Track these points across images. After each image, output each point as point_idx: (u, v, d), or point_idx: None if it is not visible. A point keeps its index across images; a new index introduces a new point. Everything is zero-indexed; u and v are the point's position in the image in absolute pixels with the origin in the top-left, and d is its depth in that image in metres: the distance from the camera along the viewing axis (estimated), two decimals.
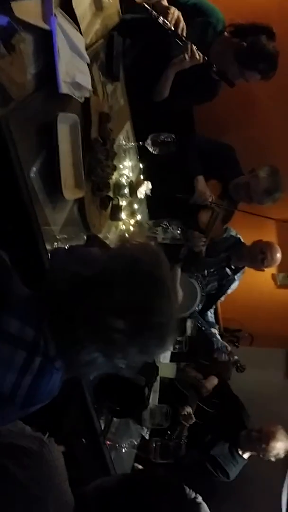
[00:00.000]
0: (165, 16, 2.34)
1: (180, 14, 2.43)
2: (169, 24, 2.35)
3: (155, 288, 1.18)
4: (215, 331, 3.55)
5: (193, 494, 2.94)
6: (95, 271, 1.17)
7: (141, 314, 1.16)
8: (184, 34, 2.44)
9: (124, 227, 2.43)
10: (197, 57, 2.49)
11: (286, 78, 3.25)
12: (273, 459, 3.17)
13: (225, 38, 2.78)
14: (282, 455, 3.17)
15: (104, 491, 1.33)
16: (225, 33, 2.79)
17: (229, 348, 3.49)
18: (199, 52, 2.49)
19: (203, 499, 2.93)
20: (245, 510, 3.39)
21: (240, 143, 3.41)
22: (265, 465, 3.27)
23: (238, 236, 3.57)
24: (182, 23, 2.42)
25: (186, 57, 2.49)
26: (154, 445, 2.54)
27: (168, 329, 1.21)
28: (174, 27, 2.38)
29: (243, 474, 3.29)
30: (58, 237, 1.81)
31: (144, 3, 2.31)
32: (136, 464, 2.68)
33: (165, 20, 2.33)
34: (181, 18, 2.42)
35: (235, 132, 3.65)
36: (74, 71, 1.80)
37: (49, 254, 1.71)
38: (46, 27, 1.63)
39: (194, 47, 2.48)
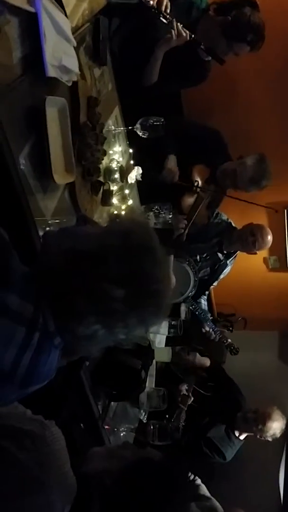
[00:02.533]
0: None
1: None
2: (152, 1, 2.33)
3: (148, 257, 1.19)
4: (208, 317, 3.57)
5: (192, 477, 2.99)
6: (89, 245, 1.18)
7: (138, 282, 1.17)
8: (168, 12, 2.43)
9: (115, 212, 2.43)
10: (184, 34, 2.49)
11: (272, 60, 3.26)
12: (269, 439, 3.21)
13: (210, 16, 2.78)
14: (278, 434, 3.21)
15: (106, 475, 1.34)
16: (209, 12, 2.78)
17: (224, 333, 3.52)
18: (185, 30, 2.49)
19: (202, 480, 2.99)
20: (243, 490, 3.43)
21: (227, 126, 3.42)
22: (262, 445, 3.31)
23: (229, 220, 3.58)
24: (166, 1, 2.40)
25: (173, 35, 2.48)
26: (151, 427, 2.56)
27: (164, 297, 1.23)
28: (157, 5, 2.37)
29: (241, 455, 3.33)
30: (49, 222, 1.81)
31: None
32: None
33: None
34: None
35: (223, 116, 3.66)
36: (60, 54, 1.78)
37: (41, 237, 1.70)
38: (31, 9, 1.61)
39: (180, 25, 2.47)
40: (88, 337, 1.20)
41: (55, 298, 1.16)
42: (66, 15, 1.85)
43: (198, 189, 3.07)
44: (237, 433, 3.27)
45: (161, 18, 2.43)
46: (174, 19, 2.46)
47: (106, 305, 1.16)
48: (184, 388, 3.17)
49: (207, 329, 3.39)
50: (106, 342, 1.27)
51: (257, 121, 3.74)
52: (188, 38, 2.54)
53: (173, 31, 2.50)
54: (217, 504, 2.88)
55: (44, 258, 1.24)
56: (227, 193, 3.36)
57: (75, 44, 1.91)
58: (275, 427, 3.17)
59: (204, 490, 2.92)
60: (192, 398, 3.17)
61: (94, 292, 1.15)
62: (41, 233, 1.74)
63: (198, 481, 2.96)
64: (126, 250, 1.18)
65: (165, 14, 2.42)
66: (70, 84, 1.90)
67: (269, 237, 3.33)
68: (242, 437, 3.29)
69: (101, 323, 1.18)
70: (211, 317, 3.73)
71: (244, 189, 3.17)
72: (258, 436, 3.22)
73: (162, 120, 2.38)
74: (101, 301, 1.15)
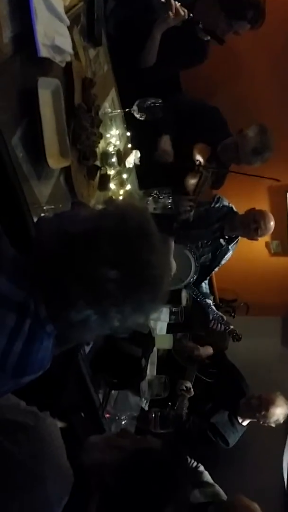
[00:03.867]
0: None
1: None
2: None
3: (145, 241, 1.15)
4: (209, 301, 3.53)
5: (195, 463, 2.98)
6: (83, 228, 1.14)
7: (133, 265, 1.13)
8: None
9: (113, 197, 2.38)
10: (182, 13, 2.42)
11: (271, 34, 3.19)
12: (273, 425, 3.19)
13: None
14: (281, 420, 3.19)
15: (103, 467, 1.30)
16: None
17: (225, 318, 3.48)
18: (183, 8, 2.42)
19: (205, 467, 2.98)
20: (247, 476, 3.42)
21: (228, 103, 3.36)
22: (265, 431, 3.29)
23: (231, 205, 3.52)
24: None
25: (170, 14, 2.41)
26: (153, 415, 2.54)
27: (161, 284, 1.18)
28: None
29: (244, 441, 3.31)
30: (45, 208, 1.76)
31: None
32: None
33: None
34: None
35: (223, 93, 3.60)
36: (53, 33, 1.72)
37: (35, 223, 1.66)
38: None
39: (178, 3, 2.40)
40: (80, 324, 1.15)
41: (47, 280, 1.12)
42: None
43: (201, 168, 3.01)
44: (240, 419, 3.25)
45: None
46: None
47: (98, 286, 1.11)
48: (186, 385, 3.15)
49: (212, 322, 3.36)
50: (100, 330, 1.22)
51: (259, 99, 3.67)
52: (186, 17, 2.47)
53: (170, 10, 2.43)
54: (220, 490, 2.87)
55: (37, 242, 1.21)
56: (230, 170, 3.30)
57: (68, 23, 1.85)
58: (278, 413, 3.14)
59: (207, 477, 2.90)
60: (192, 392, 3.15)
61: (86, 272, 1.10)
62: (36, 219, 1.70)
63: (201, 468, 2.94)
64: (121, 233, 1.13)
65: None
66: (63, 65, 1.84)
67: (272, 223, 3.28)
68: (245, 423, 3.27)
69: (93, 308, 1.14)
70: (214, 303, 3.70)
71: (247, 162, 3.10)
72: (261, 422, 3.19)
73: (160, 101, 2.32)
74: (93, 282, 1.11)
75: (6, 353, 1.08)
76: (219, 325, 3.43)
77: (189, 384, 3.21)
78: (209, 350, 3.62)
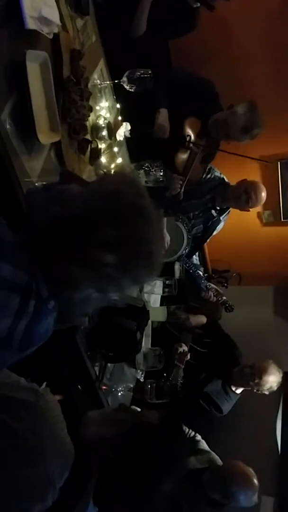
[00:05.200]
0: None
1: None
2: None
3: (140, 218, 1.16)
4: (200, 273, 3.55)
5: (192, 433, 3.04)
6: (77, 210, 1.14)
7: (130, 245, 1.15)
8: None
9: (105, 170, 2.35)
10: None
11: (264, 5, 3.13)
12: (266, 392, 3.24)
13: None
14: (275, 388, 3.24)
15: (103, 442, 1.33)
16: None
17: (218, 289, 3.50)
18: None
19: (201, 434, 3.03)
20: (242, 442, 3.50)
21: (218, 76, 3.29)
22: (259, 398, 3.35)
23: (222, 176, 3.50)
24: None
25: None
26: (149, 386, 2.57)
27: (156, 257, 1.21)
28: None
29: (239, 409, 3.37)
30: (36, 184, 1.74)
31: None
32: (133, 407, 2.73)
33: None
34: None
35: (213, 65, 3.53)
36: (40, 4, 1.69)
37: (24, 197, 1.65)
38: None
39: None
40: (82, 301, 1.20)
41: (47, 265, 1.14)
42: None
43: (191, 144, 2.97)
44: (233, 388, 3.30)
45: None
46: None
47: (99, 270, 1.14)
48: (181, 348, 3.18)
49: (204, 293, 3.37)
50: (99, 304, 1.28)
51: (249, 71, 3.61)
52: None
53: None
54: (216, 456, 2.94)
55: (32, 225, 1.20)
56: (221, 146, 3.26)
57: None
58: (271, 380, 3.19)
59: (203, 445, 2.97)
60: (189, 356, 3.18)
61: (85, 258, 1.13)
62: None
63: (198, 437, 3.00)
64: (116, 212, 1.14)
65: None
66: (51, 36, 1.80)
67: (263, 194, 3.26)
68: (238, 391, 3.33)
69: (94, 288, 1.18)
70: (206, 274, 3.71)
71: (236, 139, 3.06)
72: (255, 390, 3.25)
73: (150, 72, 2.27)
74: (93, 267, 1.13)
75: (11, 332, 1.12)
76: (212, 296, 3.45)
77: (185, 347, 3.25)
78: (201, 319, 3.64)
